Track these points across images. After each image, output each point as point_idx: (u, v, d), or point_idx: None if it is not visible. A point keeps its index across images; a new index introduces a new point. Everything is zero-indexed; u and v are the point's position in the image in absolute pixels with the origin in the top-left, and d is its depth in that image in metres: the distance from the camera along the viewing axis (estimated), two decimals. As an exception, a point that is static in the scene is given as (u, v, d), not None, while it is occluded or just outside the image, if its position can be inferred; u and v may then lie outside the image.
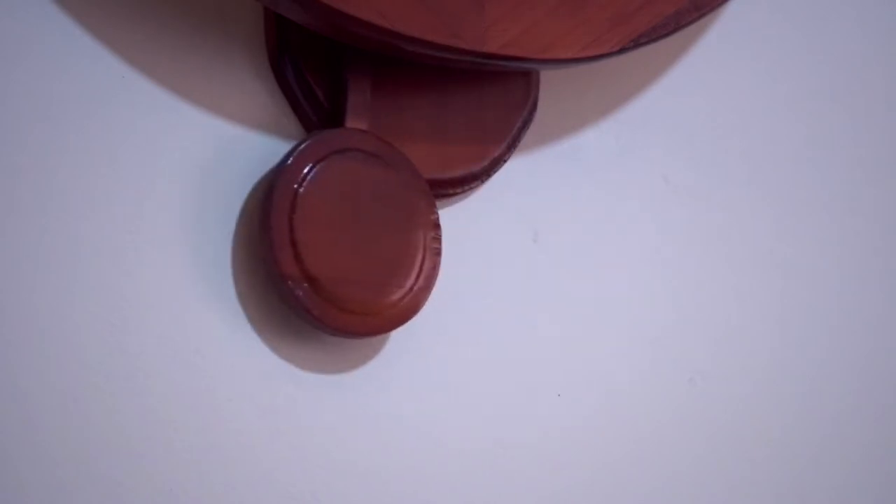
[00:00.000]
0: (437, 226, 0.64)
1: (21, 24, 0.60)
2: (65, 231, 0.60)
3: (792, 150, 0.78)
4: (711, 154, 0.75)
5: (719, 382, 0.73)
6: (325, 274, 0.61)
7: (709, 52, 0.76)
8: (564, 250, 0.70)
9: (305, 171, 0.61)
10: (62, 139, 0.60)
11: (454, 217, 0.67)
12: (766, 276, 0.76)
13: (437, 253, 0.64)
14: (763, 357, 0.75)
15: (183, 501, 0.60)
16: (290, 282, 0.61)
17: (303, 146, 0.62)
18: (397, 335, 0.65)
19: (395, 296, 0.63)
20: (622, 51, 0.66)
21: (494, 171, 0.68)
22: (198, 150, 0.63)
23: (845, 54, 0.80)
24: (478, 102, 0.67)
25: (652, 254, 0.73)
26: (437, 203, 0.65)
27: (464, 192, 0.68)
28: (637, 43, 0.67)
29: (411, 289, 0.63)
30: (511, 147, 0.68)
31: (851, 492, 0.76)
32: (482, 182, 0.68)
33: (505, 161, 0.69)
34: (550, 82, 0.70)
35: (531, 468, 0.68)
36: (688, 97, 0.75)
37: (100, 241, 0.60)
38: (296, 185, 0.61)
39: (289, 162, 0.61)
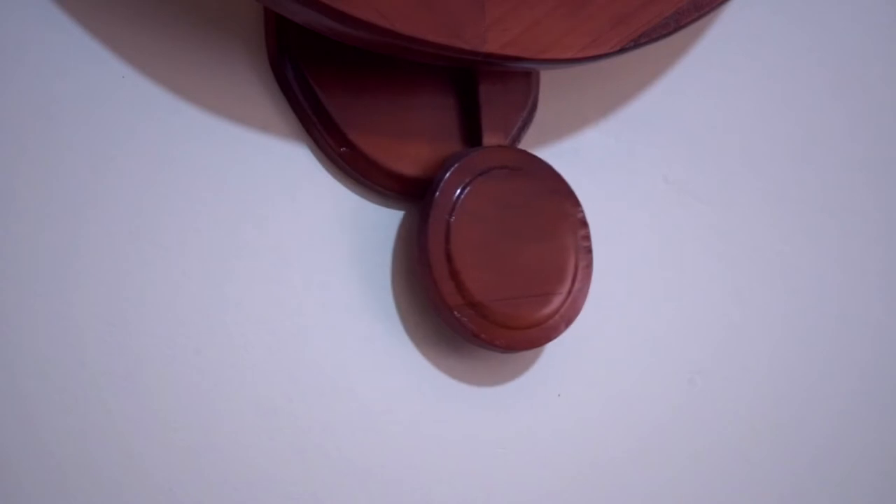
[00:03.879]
0: (584, 223, 0.66)
1: (21, 25, 0.60)
2: (65, 231, 0.60)
3: (792, 149, 0.78)
4: (711, 154, 0.75)
5: (719, 382, 0.73)
6: (488, 296, 0.63)
7: (709, 52, 0.76)
8: (564, 250, 0.70)
9: (453, 199, 0.63)
10: (62, 139, 0.60)
11: (454, 217, 0.67)
12: (766, 276, 0.76)
13: (589, 250, 0.66)
14: (763, 357, 0.75)
15: (183, 501, 0.60)
16: (456, 312, 0.63)
17: (448, 174, 0.63)
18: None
19: (556, 303, 0.64)
20: (622, 51, 0.66)
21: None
22: (197, 150, 0.63)
23: (845, 54, 0.80)
24: (478, 102, 0.67)
25: (652, 254, 0.73)
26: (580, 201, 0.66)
27: (464, 192, 0.68)
28: (637, 43, 0.67)
29: (570, 292, 0.65)
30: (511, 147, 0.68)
31: (851, 492, 0.76)
32: (482, 182, 0.68)
33: (505, 161, 0.69)
34: (550, 82, 0.70)
35: (531, 468, 0.68)
36: (688, 97, 0.75)
37: (100, 241, 0.60)
38: (447, 216, 0.63)
39: (437, 194, 0.63)
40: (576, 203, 0.66)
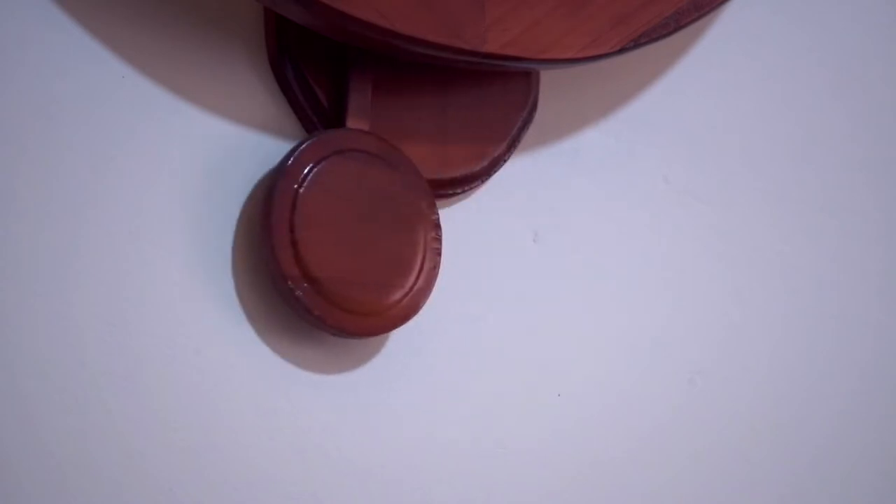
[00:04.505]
0: (437, 226, 0.64)
1: (21, 25, 0.60)
2: (65, 231, 0.60)
3: (792, 150, 0.78)
4: (711, 154, 0.75)
5: (719, 382, 0.73)
6: (325, 274, 0.61)
7: (709, 52, 0.76)
8: (564, 250, 0.70)
9: (306, 171, 0.61)
10: (62, 139, 0.60)
11: (454, 217, 0.67)
12: (766, 276, 0.76)
13: (438, 253, 0.64)
14: (763, 357, 0.75)
15: (183, 501, 0.60)
16: (290, 282, 0.61)
17: (303, 146, 0.62)
18: (397, 334, 0.65)
19: (396, 296, 0.63)
20: (622, 51, 0.66)
21: (495, 172, 0.68)
22: (198, 150, 0.63)
23: (845, 54, 0.80)
24: (478, 102, 0.67)
25: (652, 254, 0.73)
26: (438, 203, 0.65)
27: (464, 192, 0.68)
28: (637, 43, 0.67)
29: (411, 289, 0.63)
30: (511, 147, 0.68)
31: (851, 492, 0.76)
32: (482, 182, 0.68)
33: (505, 161, 0.69)
34: (550, 82, 0.70)
35: (531, 468, 0.68)
36: (688, 97, 0.75)
37: (100, 241, 0.60)
38: (296, 186, 0.61)
39: (289, 162, 0.61)
40: (432, 204, 0.65)
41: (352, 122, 0.64)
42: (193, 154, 0.63)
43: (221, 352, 0.62)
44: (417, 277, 0.63)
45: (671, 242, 0.73)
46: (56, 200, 0.60)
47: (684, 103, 0.75)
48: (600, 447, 0.70)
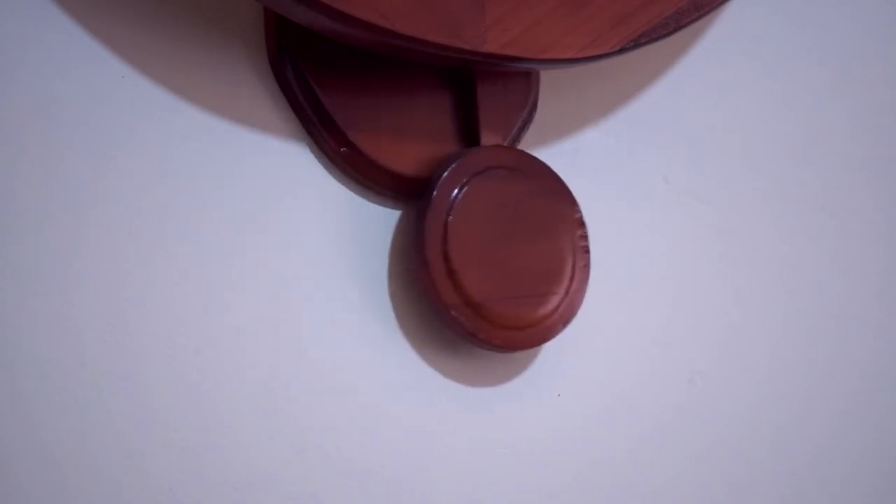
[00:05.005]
0: (582, 224, 0.66)
1: (21, 25, 0.60)
2: (65, 231, 0.60)
3: (792, 150, 0.78)
4: (711, 154, 0.75)
5: (719, 382, 0.73)
6: (485, 296, 0.63)
7: (709, 52, 0.76)
8: (564, 250, 0.70)
9: (451, 198, 0.63)
10: (62, 139, 0.60)
11: (454, 217, 0.67)
12: (766, 276, 0.76)
13: (586, 251, 0.66)
14: (763, 357, 0.75)
15: (183, 501, 0.60)
16: (453, 311, 0.63)
17: (446, 174, 0.63)
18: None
19: (554, 303, 0.64)
20: (622, 51, 0.66)
21: (495, 171, 0.68)
22: (198, 150, 0.63)
23: (845, 54, 0.80)
24: (478, 102, 0.67)
25: (652, 254, 0.73)
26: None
27: (464, 192, 0.68)
28: (637, 43, 0.67)
29: (567, 292, 0.65)
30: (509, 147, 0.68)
31: (851, 492, 0.76)
32: (482, 182, 0.68)
33: (505, 161, 0.69)
34: (550, 82, 0.70)
35: (531, 468, 0.68)
36: (688, 97, 0.75)
37: (100, 241, 0.60)
38: (445, 215, 0.62)
39: (435, 193, 0.63)
40: (573, 203, 0.66)
41: (486, 139, 0.65)
42: (193, 154, 0.63)
43: (221, 352, 0.62)
44: (571, 280, 0.65)
45: (671, 242, 0.73)
46: (56, 200, 0.60)
47: (684, 103, 0.75)
48: (600, 447, 0.70)
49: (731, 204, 0.75)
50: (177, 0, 0.63)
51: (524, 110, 0.68)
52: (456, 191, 0.63)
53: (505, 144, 0.67)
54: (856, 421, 0.77)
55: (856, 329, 0.78)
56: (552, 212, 0.65)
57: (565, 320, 0.65)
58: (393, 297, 0.65)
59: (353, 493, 0.64)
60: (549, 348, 0.68)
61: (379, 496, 0.64)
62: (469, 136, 0.66)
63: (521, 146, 0.68)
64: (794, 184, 0.77)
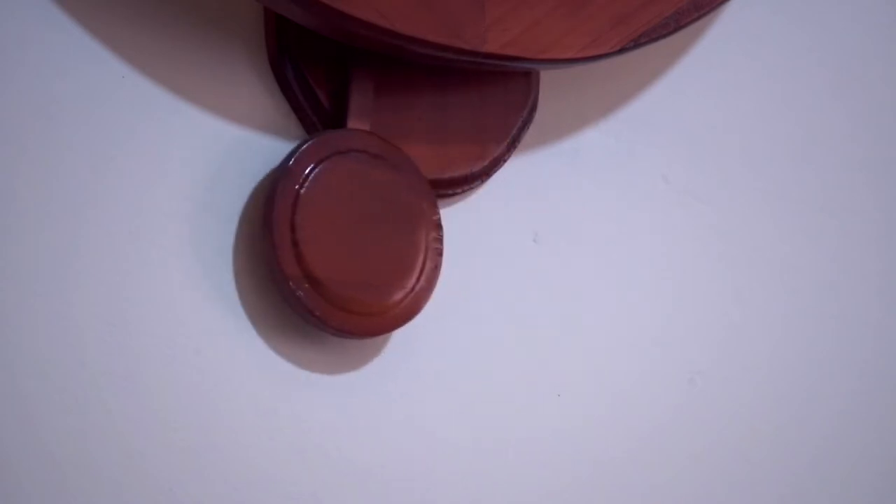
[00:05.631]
0: (438, 226, 0.64)
1: (21, 25, 0.60)
2: (65, 231, 0.60)
3: (792, 150, 0.78)
4: (711, 154, 0.75)
5: (719, 382, 0.73)
6: (326, 275, 0.61)
7: (709, 52, 0.76)
8: (564, 250, 0.70)
9: (307, 171, 0.61)
10: (62, 139, 0.60)
11: (454, 217, 0.67)
12: (766, 276, 0.76)
13: (439, 253, 0.64)
14: (763, 357, 0.75)
15: (183, 501, 0.60)
16: (291, 282, 0.61)
17: (305, 147, 0.62)
18: (398, 335, 0.65)
19: (397, 296, 0.63)
20: (622, 51, 0.66)
21: (494, 171, 0.68)
22: (198, 151, 0.63)
23: (845, 54, 0.80)
24: (478, 102, 0.67)
25: (652, 254, 0.73)
26: (438, 203, 0.65)
27: (464, 192, 0.68)
28: (637, 43, 0.67)
29: (413, 289, 0.63)
30: (511, 147, 0.68)
31: (851, 492, 0.76)
32: (482, 182, 0.68)
33: (505, 161, 0.69)
34: (550, 82, 0.70)
35: (531, 468, 0.68)
36: (688, 97, 0.75)
37: (100, 241, 0.60)
38: (297, 186, 0.61)
39: (290, 163, 0.61)
40: (433, 204, 0.65)
41: (353, 123, 0.64)
42: (193, 154, 0.63)
43: (222, 352, 0.62)
44: (419, 278, 0.63)
45: (671, 242, 0.73)
46: (56, 200, 0.60)
47: (684, 103, 0.75)
48: (600, 447, 0.70)
49: (731, 204, 0.75)
50: (177, 0, 0.63)
51: (524, 110, 0.68)
52: (314, 164, 0.62)
53: (506, 145, 0.67)
54: (856, 421, 0.77)
55: (856, 329, 0.78)
56: (411, 206, 0.64)
57: (406, 317, 0.63)
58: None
59: (354, 493, 0.64)
60: (550, 346, 0.68)
61: (379, 496, 0.64)
62: (470, 135, 0.66)
63: (521, 146, 0.68)
64: (794, 184, 0.77)
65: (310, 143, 0.62)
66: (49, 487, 0.58)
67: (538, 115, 0.69)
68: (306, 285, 0.61)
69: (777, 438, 0.75)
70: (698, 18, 0.69)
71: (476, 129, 0.67)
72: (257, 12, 0.65)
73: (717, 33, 0.76)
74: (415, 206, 0.64)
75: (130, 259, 0.61)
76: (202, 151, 0.63)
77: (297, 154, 0.61)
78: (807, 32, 0.79)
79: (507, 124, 0.67)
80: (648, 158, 0.73)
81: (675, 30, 0.68)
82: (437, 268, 0.64)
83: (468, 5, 0.62)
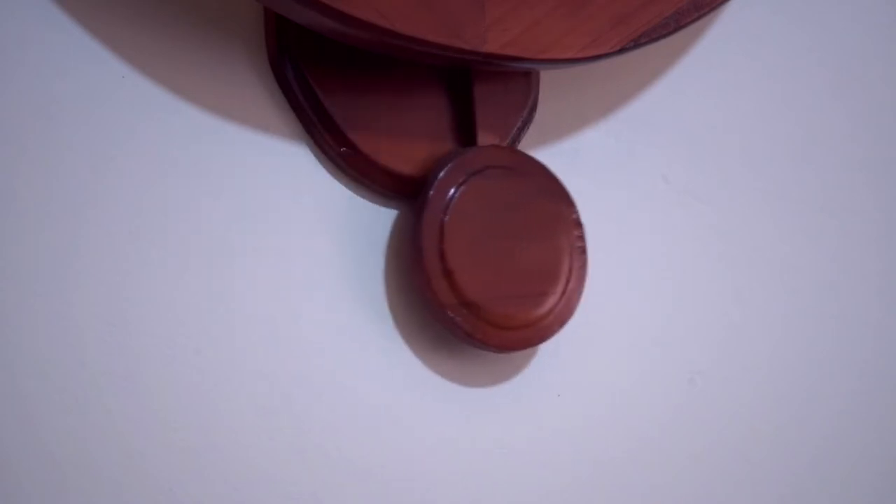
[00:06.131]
0: (578, 224, 0.66)
1: (21, 24, 0.60)
2: (65, 231, 0.60)
3: (792, 150, 0.78)
4: (711, 154, 0.75)
5: (719, 382, 0.73)
6: (481, 297, 0.63)
7: (709, 52, 0.76)
8: (564, 250, 0.70)
9: (448, 198, 0.63)
10: (62, 139, 0.60)
11: (454, 217, 0.67)
12: (766, 276, 0.76)
13: (583, 251, 0.66)
14: (763, 357, 0.75)
15: (183, 501, 0.60)
16: (449, 311, 0.62)
17: (443, 173, 0.63)
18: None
19: (551, 302, 0.64)
20: (622, 51, 0.66)
21: (495, 172, 0.68)
22: (197, 150, 0.63)
23: (845, 54, 0.80)
24: (477, 102, 0.67)
25: (652, 254, 0.73)
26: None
27: (465, 192, 0.68)
28: (637, 43, 0.67)
29: (564, 292, 0.65)
30: (513, 147, 0.68)
31: (851, 492, 0.76)
32: (483, 182, 0.68)
33: (505, 161, 0.69)
34: (550, 82, 0.70)
35: (531, 468, 0.68)
36: (688, 97, 0.75)
37: (100, 241, 0.60)
38: (441, 214, 0.63)
39: (431, 192, 0.63)
40: (570, 203, 0.66)
41: (483, 139, 0.65)
42: (193, 154, 0.63)
43: (220, 351, 0.62)
44: (568, 280, 0.65)
45: (671, 242, 0.73)
46: (56, 200, 0.60)
47: (684, 103, 0.75)
48: (600, 447, 0.70)
49: (731, 204, 0.75)
50: (177, 0, 0.63)
51: (524, 110, 0.68)
52: (452, 190, 0.63)
53: (503, 144, 0.67)
54: (856, 421, 0.77)
55: (856, 329, 0.78)
56: (549, 212, 0.65)
57: (562, 321, 0.65)
58: (390, 296, 0.65)
59: (353, 493, 0.64)
60: (547, 348, 0.68)
61: (379, 496, 0.64)
62: (467, 135, 0.66)
63: (521, 146, 0.68)
64: (794, 184, 0.77)
65: (446, 168, 0.63)
66: (49, 487, 0.58)
67: (538, 115, 0.69)
68: (464, 311, 0.63)
69: (777, 438, 0.75)
70: (698, 18, 0.69)
71: (471, 128, 0.66)
72: (257, 12, 0.65)
73: (717, 33, 0.76)
74: (552, 209, 0.65)
75: (130, 259, 0.61)
76: (202, 151, 0.63)
77: (437, 182, 0.63)
78: (807, 32, 0.79)
79: (507, 124, 0.67)
80: (648, 158, 0.73)
81: (675, 30, 0.68)
82: (583, 266, 0.66)
83: (468, 5, 0.62)
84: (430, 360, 0.66)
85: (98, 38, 0.61)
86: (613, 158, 0.73)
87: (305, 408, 0.63)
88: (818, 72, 0.79)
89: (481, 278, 0.63)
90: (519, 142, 0.68)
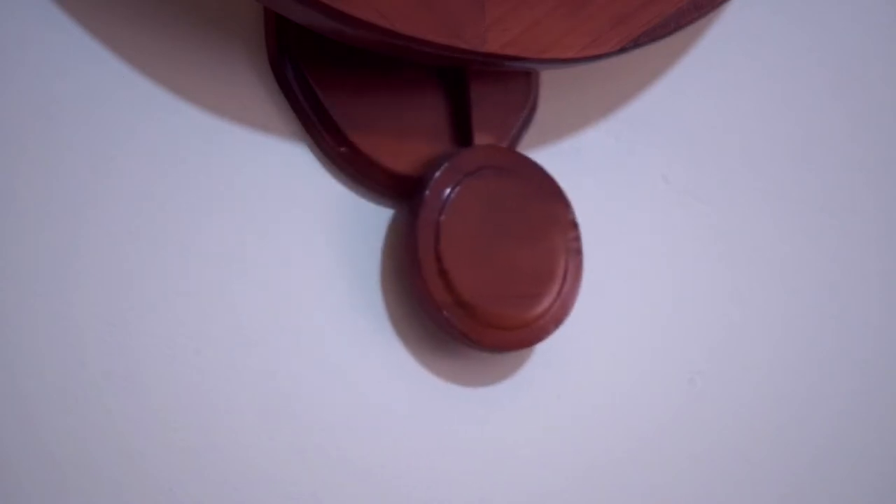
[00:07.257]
0: (575, 226, 0.66)
1: (21, 24, 0.60)
2: (65, 231, 0.60)
3: (792, 149, 0.78)
4: (711, 154, 0.75)
5: (719, 382, 0.73)
6: (476, 296, 0.63)
7: (709, 52, 0.76)
8: (564, 250, 0.70)
9: (443, 198, 0.63)
10: (62, 139, 0.60)
11: (454, 217, 0.67)
12: (766, 276, 0.76)
13: (579, 252, 0.66)
14: (763, 357, 0.75)
15: (183, 501, 0.60)
16: (445, 311, 0.62)
17: (438, 173, 0.63)
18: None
19: (546, 303, 0.64)
20: (622, 51, 0.66)
21: (495, 172, 0.68)
22: (197, 150, 0.63)
23: (845, 54, 0.80)
24: (477, 102, 0.67)
25: (652, 254, 0.73)
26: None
27: (465, 192, 0.68)
28: (637, 43, 0.67)
29: (559, 293, 0.65)
30: (511, 147, 0.68)
31: (851, 492, 0.76)
32: (483, 182, 0.68)
33: (505, 161, 0.69)
34: (550, 82, 0.70)
35: (531, 468, 0.68)
36: (688, 97, 0.75)
37: (100, 241, 0.60)
38: (437, 214, 0.62)
39: (427, 192, 0.63)
40: (566, 205, 0.66)
41: (479, 139, 0.65)
42: (193, 154, 0.63)
43: (220, 351, 0.62)
44: (564, 281, 0.65)
45: (671, 242, 0.73)
46: (56, 200, 0.60)
47: (684, 103, 0.75)
48: (600, 447, 0.70)
49: (731, 204, 0.75)
50: (177, 0, 0.63)
51: (524, 110, 0.68)
52: (448, 190, 0.63)
53: (500, 144, 0.67)
54: (856, 421, 0.77)
55: (856, 329, 0.78)
56: (545, 213, 0.65)
57: (557, 321, 0.65)
58: (387, 295, 0.65)
59: (353, 492, 0.64)
60: (546, 348, 0.68)
61: (378, 496, 0.64)
62: (464, 136, 0.66)
63: (521, 146, 0.68)
64: (794, 184, 0.77)
65: (442, 168, 0.63)
66: (49, 487, 0.58)
67: (538, 115, 0.69)
68: (459, 311, 0.62)
69: (777, 438, 0.75)
70: (698, 18, 0.69)
71: (476, 129, 0.66)
72: (257, 12, 0.65)
73: (717, 33, 0.76)
74: (547, 210, 0.65)
75: (130, 259, 0.61)
76: (202, 151, 0.63)
77: (432, 182, 0.63)
78: (807, 32, 0.79)
79: (505, 124, 0.67)
80: (648, 158, 0.73)
81: (675, 30, 0.68)
82: (579, 267, 0.66)
83: (468, 5, 0.62)
84: (426, 360, 0.66)
85: (98, 38, 0.61)
86: (613, 158, 0.73)
87: (304, 407, 0.63)
88: (818, 72, 0.79)
89: (477, 278, 0.63)
90: (519, 141, 0.68)
